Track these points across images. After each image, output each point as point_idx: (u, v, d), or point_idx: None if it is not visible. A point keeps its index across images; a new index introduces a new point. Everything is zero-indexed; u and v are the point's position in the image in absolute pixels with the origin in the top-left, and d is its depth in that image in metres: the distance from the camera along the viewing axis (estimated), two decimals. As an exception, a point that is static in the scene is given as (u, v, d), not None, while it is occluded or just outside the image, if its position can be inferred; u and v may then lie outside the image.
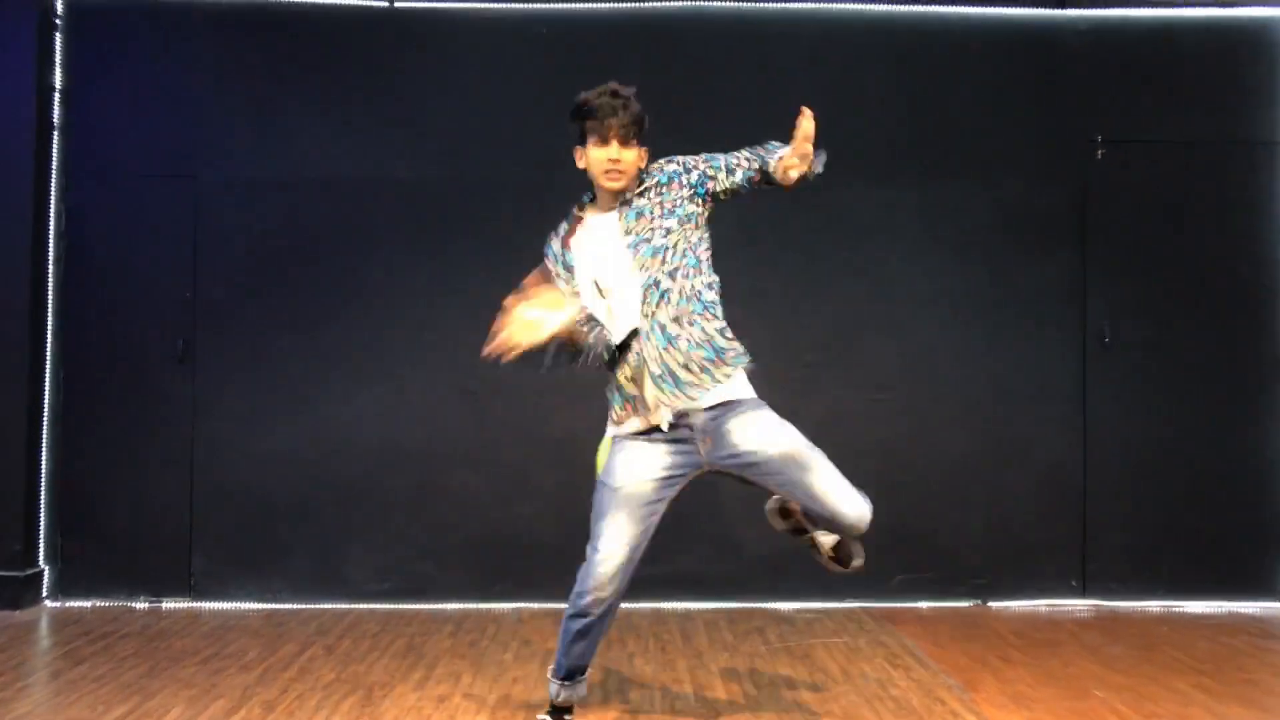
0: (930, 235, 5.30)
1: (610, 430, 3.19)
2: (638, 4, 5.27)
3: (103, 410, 5.14)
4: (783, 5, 5.29)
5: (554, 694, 3.23)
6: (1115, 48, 5.35)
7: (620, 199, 3.13)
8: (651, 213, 3.09)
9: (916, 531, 5.17)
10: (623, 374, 3.08)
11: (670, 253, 3.07)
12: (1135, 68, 5.35)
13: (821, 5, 5.30)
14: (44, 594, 5.08)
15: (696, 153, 3.16)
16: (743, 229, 5.15)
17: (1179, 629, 4.76)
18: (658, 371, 3.00)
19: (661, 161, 3.19)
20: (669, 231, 3.07)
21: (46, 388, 5.12)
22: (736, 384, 3.08)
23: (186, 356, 5.12)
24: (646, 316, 3.04)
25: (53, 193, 5.16)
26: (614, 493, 3.05)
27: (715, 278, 3.17)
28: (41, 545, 5.08)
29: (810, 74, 5.28)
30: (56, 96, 5.19)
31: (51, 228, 5.15)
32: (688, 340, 3.02)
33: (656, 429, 3.06)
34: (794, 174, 2.96)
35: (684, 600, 5.09)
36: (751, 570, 5.14)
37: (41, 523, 5.08)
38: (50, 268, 5.14)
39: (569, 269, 3.18)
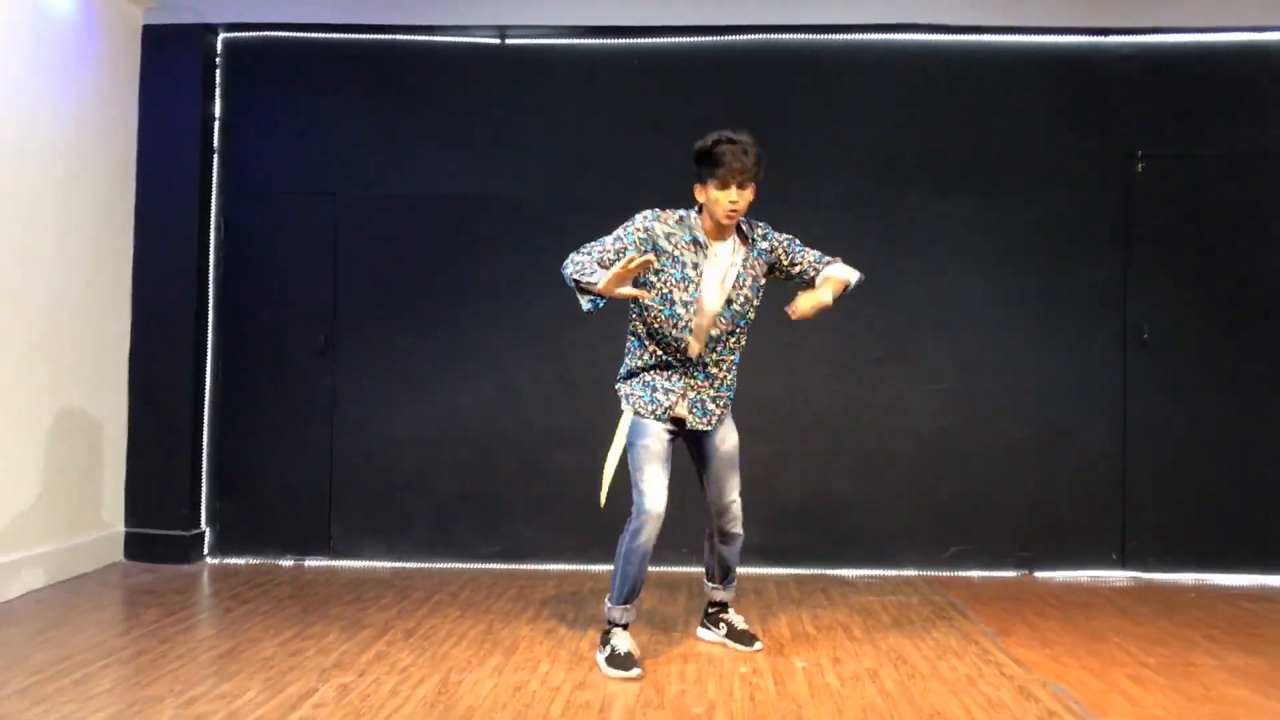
0: (984, 244, 5.87)
1: (631, 411, 3.94)
2: (716, 38, 5.92)
3: (255, 396, 5.96)
4: (847, 37, 5.91)
5: (619, 618, 3.94)
6: (1156, 69, 5.86)
7: (732, 235, 3.87)
8: (744, 280, 3.89)
9: (969, 509, 5.75)
10: (661, 379, 3.90)
11: (741, 320, 3.94)
12: (1174, 87, 5.86)
13: (882, 36, 5.90)
14: (205, 552, 5.91)
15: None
16: (814, 241, 5.80)
17: (1205, 596, 5.26)
18: (693, 396, 3.93)
19: (760, 228, 3.98)
20: (750, 303, 3.93)
21: (208, 377, 5.95)
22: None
23: (328, 351, 5.91)
24: (702, 353, 3.91)
25: (214, 209, 6.00)
26: (648, 450, 3.87)
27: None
28: (204, 510, 5.91)
29: (873, 99, 5.91)
30: (217, 125, 6.03)
31: (213, 240, 5.98)
32: (720, 382, 3.98)
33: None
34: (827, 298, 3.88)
35: (757, 566, 5.71)
36: (819, 541, 5.76)
37: (203, 491, 5.91)
38: (211, 274, 5.97)
39: (646, 251, 3.77)
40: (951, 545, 5.74)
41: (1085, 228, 5.86)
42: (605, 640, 3.95)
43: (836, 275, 3.97)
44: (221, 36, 6.04)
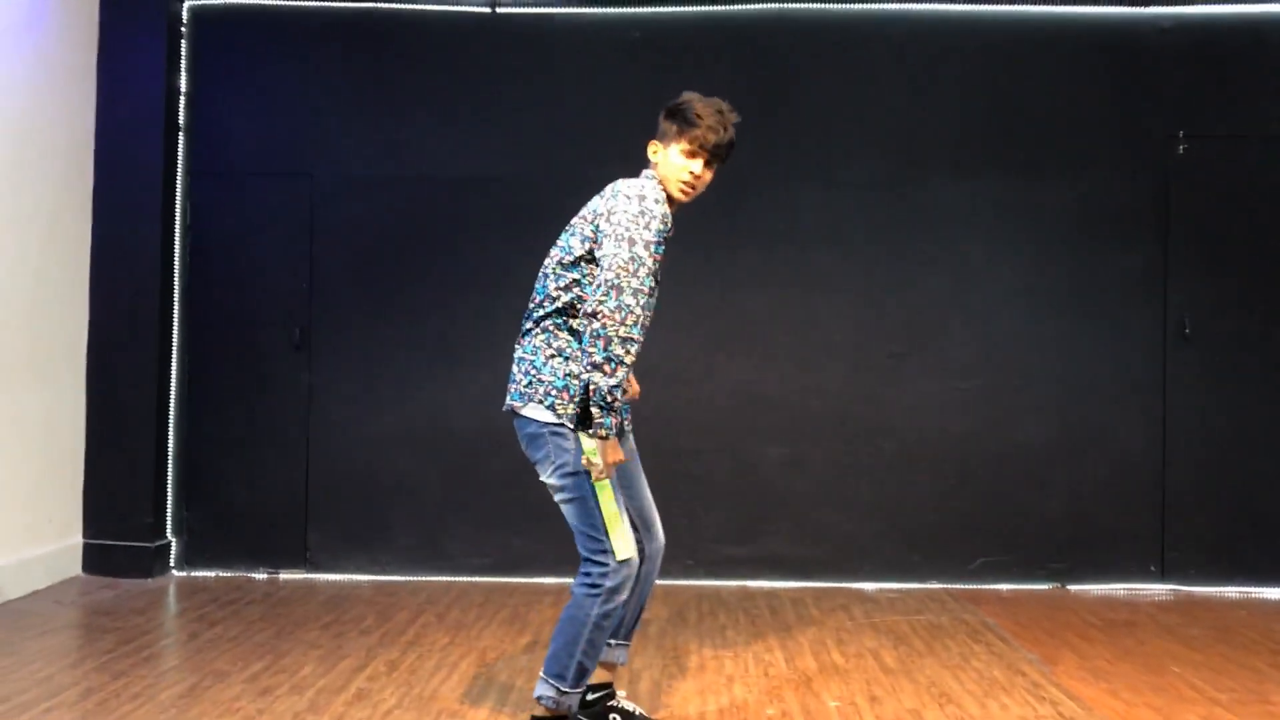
0: (1012, 229, 5.44)
1: (601, 431, 2.95)
2: (724, 7, 5.47)
3: (225, 394, 5.49)
4: (865, 6, 5.46)
5: (576, 708, 3.05)
6: (1196, 44, 5.43)
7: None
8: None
9: (997, 517, 5.34)
10: (623, 385, 2.94)
11: None
12: (1215, 63, 5.43)
13: (904, 6, 5.46)
14: (171, 564, 5.45)
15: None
16: (829, 223, 5.38)
17: (1256, 613, 4.86)
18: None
19: None
20: None
21: (173, 373, 5.47)
22: None
23: (303, 344, 5.45)
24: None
25: (179, 191, 5.51)
26: (620, 492, 3.06)
27: None
28: (169, 519, 5.45)
29: (894, 73, 5.47)
30: (182, 100, 5.54)
31: (178, 224, 5.50)
32: None
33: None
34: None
35: (769, 580, 5.30)
36: (834, 552, 5.33)
37: (169, 498, 5.44)
38: (177, 261, 5.49)
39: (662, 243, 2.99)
40: (979, 556, 5.33)
41: (1122, 213, 5.43)
42: None
43: None
44: (187, 4, 5.55)
